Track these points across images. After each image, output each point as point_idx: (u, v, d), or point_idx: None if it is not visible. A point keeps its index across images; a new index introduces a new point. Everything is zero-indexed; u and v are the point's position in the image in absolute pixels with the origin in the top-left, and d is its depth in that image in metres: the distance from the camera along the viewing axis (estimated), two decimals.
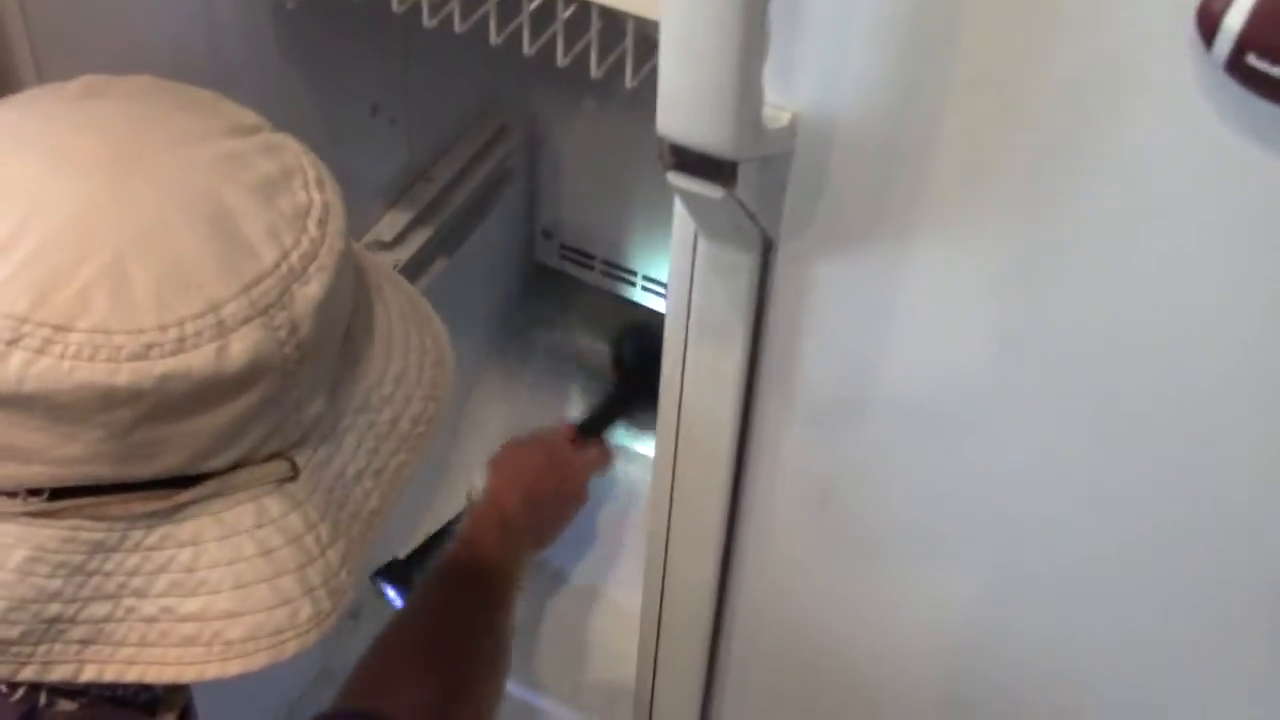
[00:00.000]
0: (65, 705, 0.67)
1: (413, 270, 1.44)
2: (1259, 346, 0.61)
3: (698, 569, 0.83)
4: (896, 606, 0.81)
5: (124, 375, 0.59)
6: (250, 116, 0.69)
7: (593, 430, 1.54)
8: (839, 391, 0.71)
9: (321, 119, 1.29)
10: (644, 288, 1.74)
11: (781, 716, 0.95)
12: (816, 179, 0.64)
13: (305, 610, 0.66)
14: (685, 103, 0.57)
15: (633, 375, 1.67)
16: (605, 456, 1.50)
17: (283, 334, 0.62)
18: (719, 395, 0.73)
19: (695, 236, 0.68)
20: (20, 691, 0.66)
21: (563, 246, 1.77)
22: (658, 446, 0.83)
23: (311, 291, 0.63)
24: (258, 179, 0.65)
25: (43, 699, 0.66)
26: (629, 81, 1.18)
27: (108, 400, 0.59)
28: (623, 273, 1.74)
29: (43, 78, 0.92)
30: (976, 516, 0.73)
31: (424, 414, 0.74)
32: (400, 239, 1.43)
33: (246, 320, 0.61)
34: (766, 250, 0.67)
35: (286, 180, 0.66)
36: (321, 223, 0.65)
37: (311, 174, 0.67)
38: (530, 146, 1.66)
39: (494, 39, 1.17)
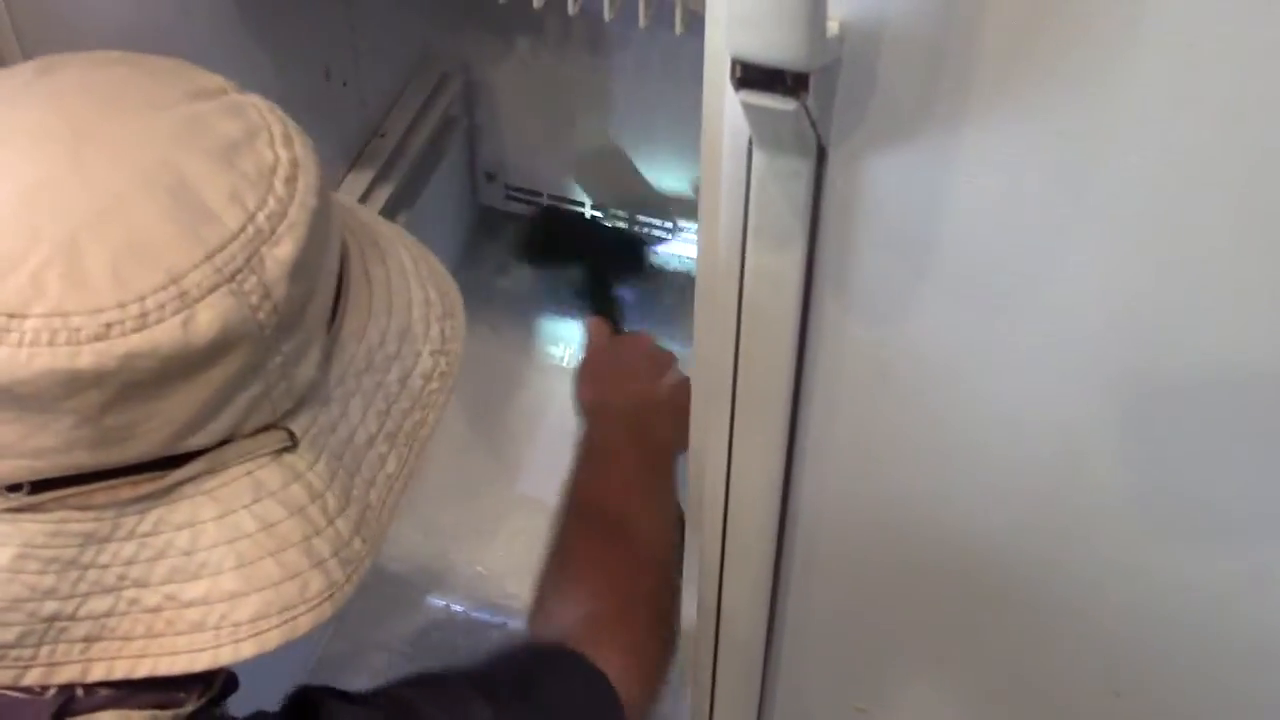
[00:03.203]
0: (104, 690, 0.64)
1: None
2: None
3: (763, 467, 0.87)
4: (957, 488, 0.84)
5: (86, 357, 0.56)
6: (215, 80, 0.66)
7: (607, 310, 1.49)
8: (895, 281, 0.75)
9: (282, 88, 1.30)
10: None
11: (847, 613, 0.98)
12: (866, 80, 0.67)
13: (316, 583, 0.64)
14: (759, 21, 0.60)
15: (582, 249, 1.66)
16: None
17: (254, 299, 0.59)
18: (781, 297, 0.76)
19: (749, 149, 0.71)
20: (53, 689, 0.63)
21: (507, 187, 1.79)
22: (700, 357, 0.86)
23: (282, 252, 0.60)
24: (219, 142, 0.62)
25: (80, 689, 0.63)
26: (571, 9, 1.21)
27: (72, 384, 0.56)
28: (570, 205, 1.77)
29: (26, 54, 0.92)
30: (1038, 388, 0.76)
31: (435, 369, 0.72)
32: (365, 199, 1.45)
33: (213, 288, 0.58)
34: (819, 154, 0.71)
35: (250, 140, 0.62)
36: (289, 180, 0.62)
37: (278, 130, 0.64)
38: (467, 93, 1.68)
39: None
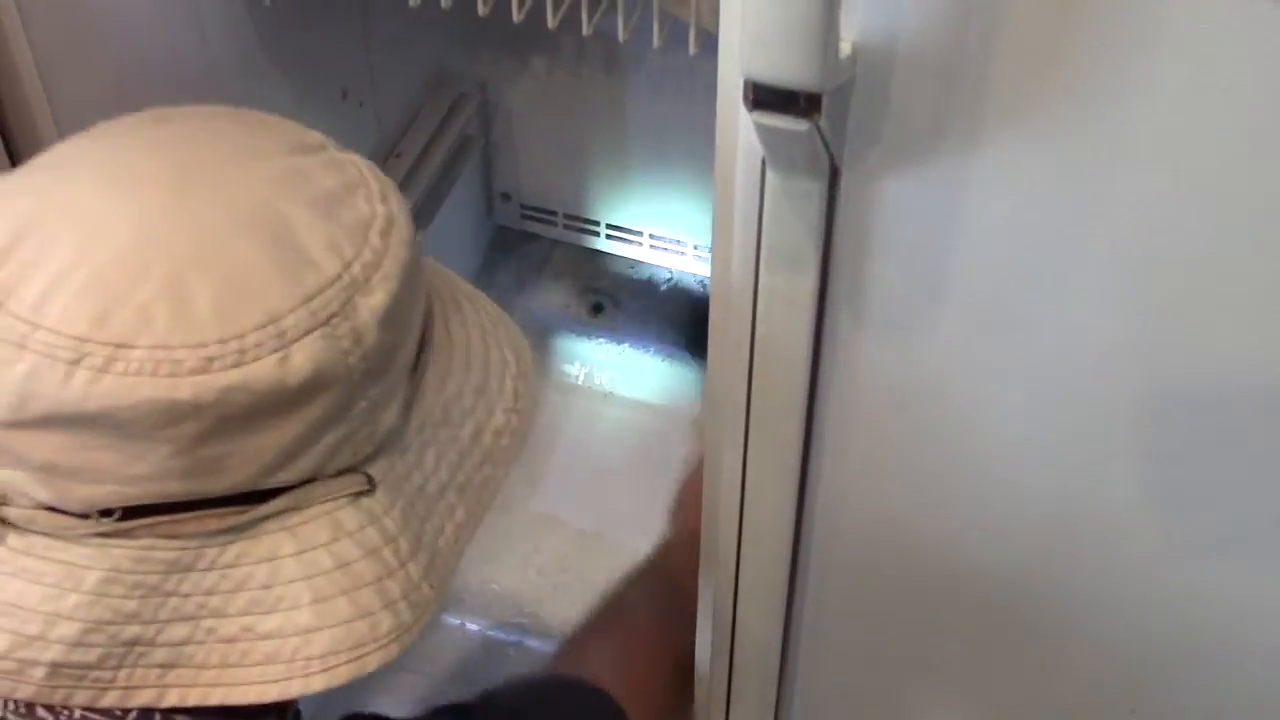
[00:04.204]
0: (180, 716, 0.66)
1: None
2: None
3: (777, 487, 0.87)
4: (973, 509, 0.84)
5: (186, 389, 0.58)
6: (315, 136, 0.69)
7: None
8: (909, 302, 0.75)
9: (299, 109, 1.31)
10: (608, 236, 1.77)
11: (862, 637, 0.98)
12: (879, 100, 0.67)
13: (385, 623, 0.66)
14: (772, 42, 0.60)
15: None
16: None
17: (346, 344, 0.62)
18: (794, 317, 0.76)
19: (762, 169, 0.72)
20: (134, 713, 0.65)
21: (523, 207, 1.80)
22: (712, 376, 0.86)
23: (375, 301, 0.63)
24: (319, 193, 0.65)
25: (158, 717, 0.66)
26: (585, 30, 1.21)
27: (171, 415, 0.59)
28: (586, 224, 1.78)
29: (46, 83, 0.94)
30: (1055, 410, 0.76)
31: (507, 426, 0.74)
32: None
33: (308, 331, 0.61)
34: (832, 174, 0.71)
35: (349, 194, 0.66)
36: (384, 234, 0.65)
37: (375, 187, 0.67)
38: (482, 113, 1.69)
39: (446, 2, 1.20)
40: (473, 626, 1.56)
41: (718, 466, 0.90)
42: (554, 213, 1.78)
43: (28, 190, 0.64)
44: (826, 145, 0.68)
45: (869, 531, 0.89)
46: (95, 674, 0.63)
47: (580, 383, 1.74)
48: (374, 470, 0.67)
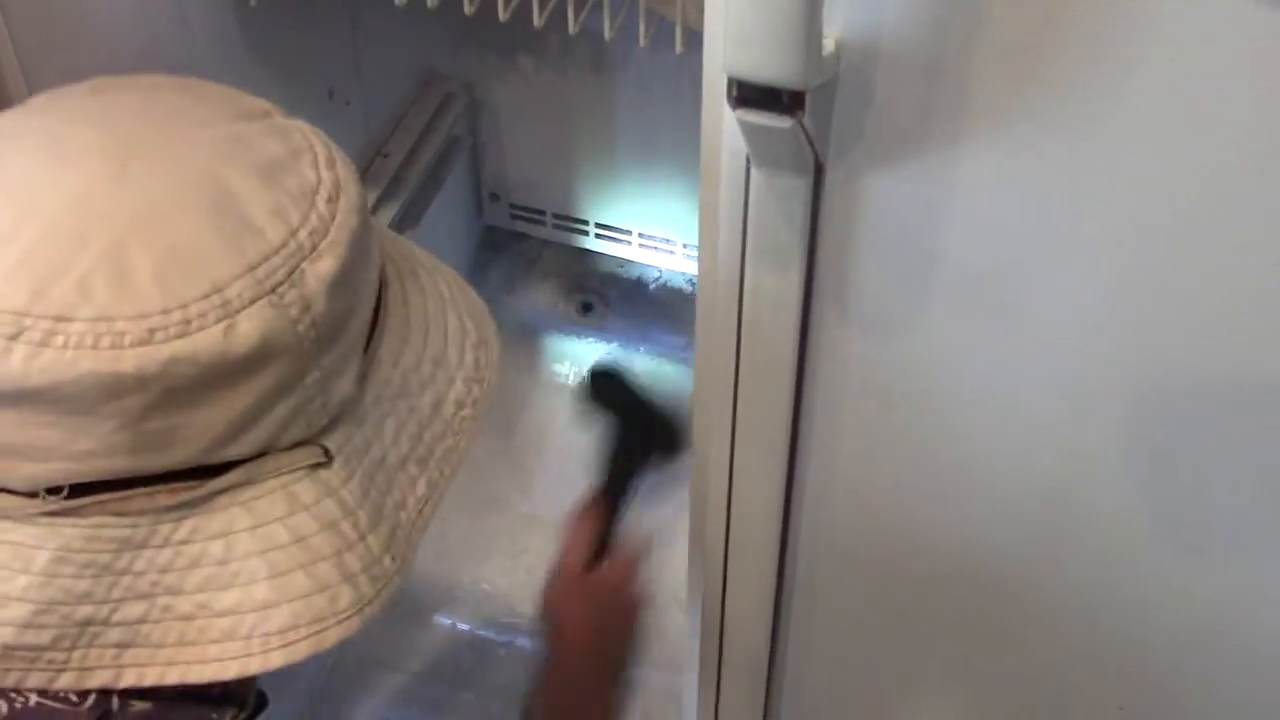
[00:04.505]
0: (139, 705, 0.65)
1: None
2: None
3: (764, 486, 0.87)
4: (960, 504, 0.85)
5: (129, 361, 0.57)
6: (260, 103, 0.68)
7: (616, 489, 1.15)
8: (894, 297, 0.75)
9: (285, 109, 1.30)
10: (597, 235, 1.77)
11: (850, 633, 0.99)
12: (863, 98, 0.68)
13: (345, 597, 0.64)
14: (755, 40, 0.61)
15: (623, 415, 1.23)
16: (637, 548, 1.02)
17: (294, 312, 0.60)
18: (780, 314, 0.77)
19: (747, 167, 0.72)
20: (91, 698, 0.64)
21: (512, 206, 1.80)
22: (700, 373, 0.86)
23: (323, 268, 0.61)
24: (263, 160, 0.63)
25: (115, 702, 0.64)
26: (572, 28, 1.21)
27: (115, 388, 0.57)
28: (575, 223, 1.78)
29: (29, 82, 0.93)
30: (1039, 403, 0.77)
31: (468, 396, 0.73)
32: None
33: (253, 300, 0.59)
34: (817, 171, 0.71)
35: (294, 160, 0.64)
36: (331, 200, 0.63)
37: (321, 153, 0.65)
38: (470, 112, 1.69)
39: (432, 1, 1.19)
40: (463, 626, 1.56)
41: (706, 462, 0.90)
42: (543, 212, 1.78)
43: None
44: (810, 142, 0.68)
45: (857, 526, 0.90)
46: (49, 655, 0.62)
47: (570, 382, 1.74)
48: (330, 442, 0.65)
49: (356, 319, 0.65)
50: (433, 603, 1.57)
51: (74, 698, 0.64)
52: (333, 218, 0.63)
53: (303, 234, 0.61)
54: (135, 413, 0.58)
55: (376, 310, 0.68)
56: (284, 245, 0.61)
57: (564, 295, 1.78)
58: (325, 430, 0.65)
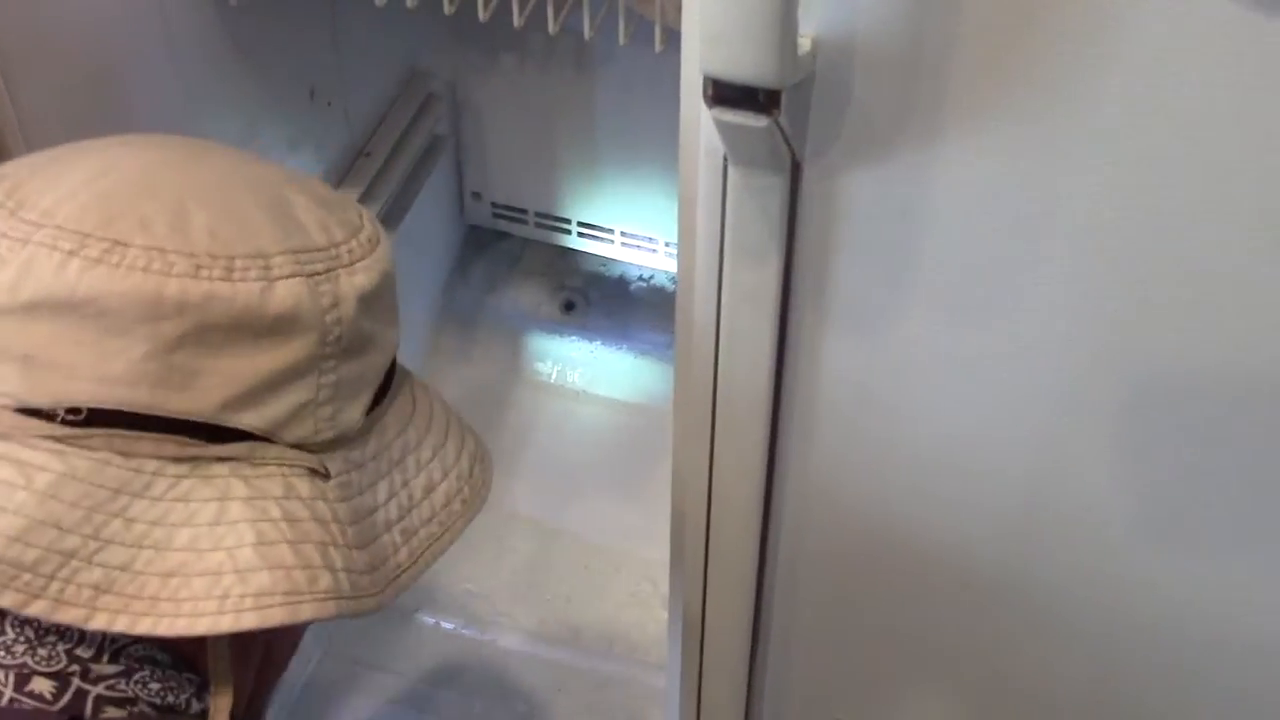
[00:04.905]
0: (113, 713, 0.66)
1: None
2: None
3: (744, 484, 0.87)
4: (939, 501, 0.85)
5: (173, 286, 0.62)
6: (301, 171, 0.77)
7: None
8: (872, 295, 0.76)
9: (267, 108, 1.31)
10: (579, 234, 1.77)
11: (830, 624, 0.99)
12: (840, 97, 0.68)
13: (324, 580, 0.65)
14: (729, 39, 0.61)
15: None
16: None
17: (326, 300, 0.65)
18: (758, 312, 0.77)
19: (724, 165, 0.72)
20: (65, 698, 0.65)
21: (494, 205, 1.80)
22: (681, 375, 0.87)
23: (358, 280, 0.67)
24: (318, 192, 0.70)
25: (89, 708, 0.65)
26: (551, 28, 1.21)
27: (155, 310, 0.62)
28: (557, 222, 1.78)
29: (8, 81, 0.94)
30: (1016, 399, 0.77)
31: (458, 493, 0.75)
32: None
33: (293, 274, 0.64)
34: (794, 169, 0.72)
35: (343, 204, 0.71)
36: (371, 241, 0.69)
37: (366, 211, 0.72)
38: (452, 112, 1.69)
39: (412, 1, 1.20)
40: (447, 625, 1.56)
41: (685, 460, 0.91)
42: (525, 211, 1.78)
43: (45, 156, 0.68)
44: (787, 140, 0.68)
45: (837, 523, 0.90)
46: (27, 577, 0.62)
47: (553, 381, 1.74)
48: (329, 463, 0.68)
49: (374, 358, 0.70)
50: (415, 601, 1.57)
51: (47, 695, 0.64)
52: (371, 253, 0.68)
53: (343, 250, 0.67)
54: (167, 341, 0.62)
55: (387, 378, 0.73)
56: (326, 249, 0.66)
57: (546, 294, 1.78)
58: (326, 448, 0.68)
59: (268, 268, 0.64)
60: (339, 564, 0.66)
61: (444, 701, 1.50)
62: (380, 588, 0.69)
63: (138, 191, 0.65)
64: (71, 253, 0.62)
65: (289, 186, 0.69)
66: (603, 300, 1.77)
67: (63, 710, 0.64)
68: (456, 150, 1.73)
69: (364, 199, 1.48)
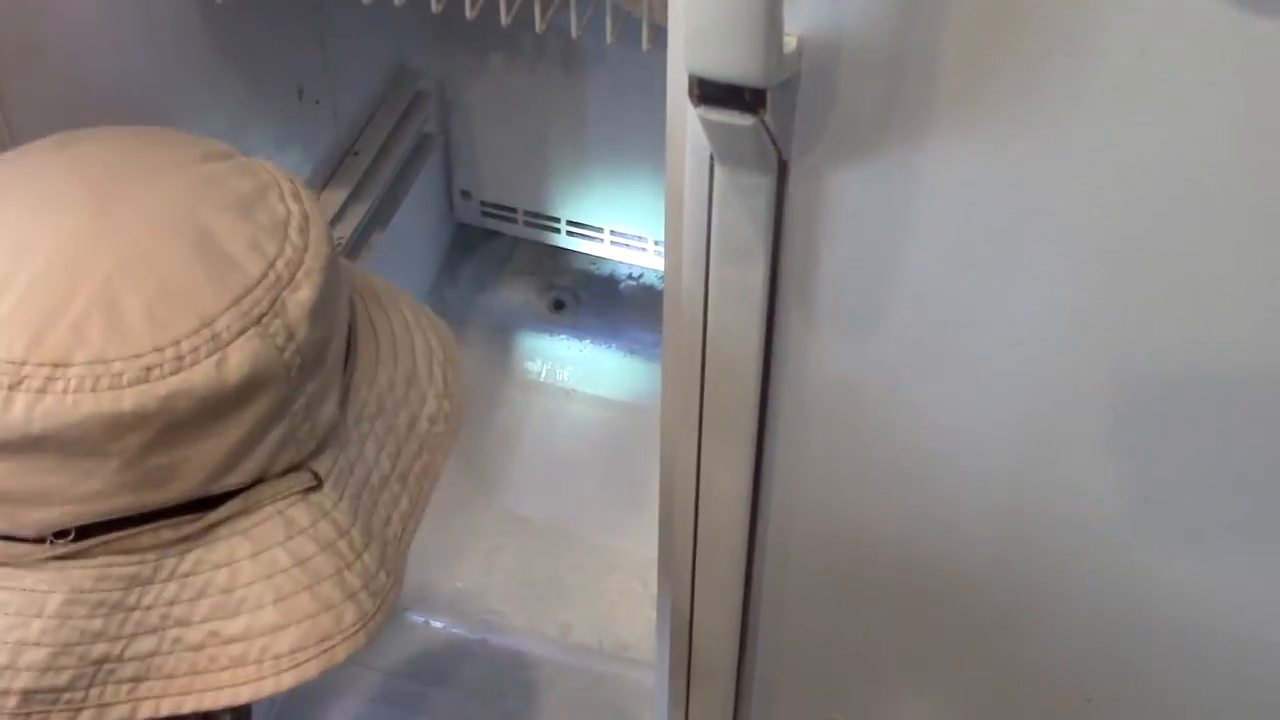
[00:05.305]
0: None
1: (353, 248, 1.47)
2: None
3: (731, 482, 0.87)
4: (926, 500, 0.85)
5: (128, 400, 0.59)
6: (221, 145, 0.71)
7: None
8: (858, 294, 0.76)
9: (254, 107, 1.31)
10: (569, 232, 1.77)
11: (819, 623, 0.99)
12: (825, 96, 0.68)
13: (349, 614, 0.67)
14: (715, 38, 0.61)
15: None
16: None
17: (279, 340, 0.63)
18: (745, 311, 0.77)
19: (711, 164, 0.72)
20: None
21: (483, 204, 1.79)
22: (668, 373, 0.87)
23: (302, 296, 0.64)
24: (234, 197, 0.66)
25: None
26: (538, 26, 1.21)
27: (116, 427, 0.60)
28: (546, 221, 1.77)
29: None
30: (1002, 399, 0.77)
31: (440, 411, 0.75)
32: (339, 217, 1.45)
33: (241, 331, 0.62)
34: (780, 168, 0.72)
35: (262, 195, 0.67)
36: (302, 230, 0.66)
37: (286, 187, 0.69)
38: (441, 110, 1.69)
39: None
40: (437, 624, 1.56)
41: (673, 461, 0.90)
42: (514, 210, 1.78)
43: None
44: (773, 140, 0.68)
45: (825, 520, 0.90)
46: (68, 696, 0.63)
47: (542, 379, 1.74)
48: (319, 466, 0.67)
49: (334, 344, 0.68)
50: (405, 600, 1.57)
51: None
52: (305, 248, 0.66)
53: (280, 265, 0.64)
54: (137, 450, 0.61)
55: (349, 334, 0.71)
56: (264, 277, 0.64)
57: (536, 293, 1.78)
58: (313, 455, 0.68)
59: (215, 336, 0.61)
60: (357, 585, 0.67)
61: (434, 700, 1.50)
62: (394, 564, 0.70)
63: (58, 288, 0.61)
64: (13, 388, 0.59)
65: (204, 204, 0.65)
66: (592, 299, 1.77)
67: None
68: (445, 149, 1.73)
69: (352, 198, 1.48)
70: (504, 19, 1.19)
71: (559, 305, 1.77)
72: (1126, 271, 0.70)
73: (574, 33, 1.21)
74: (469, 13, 1.20)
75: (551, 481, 1.66)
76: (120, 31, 1.07)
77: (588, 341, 1.75)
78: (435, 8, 1.19)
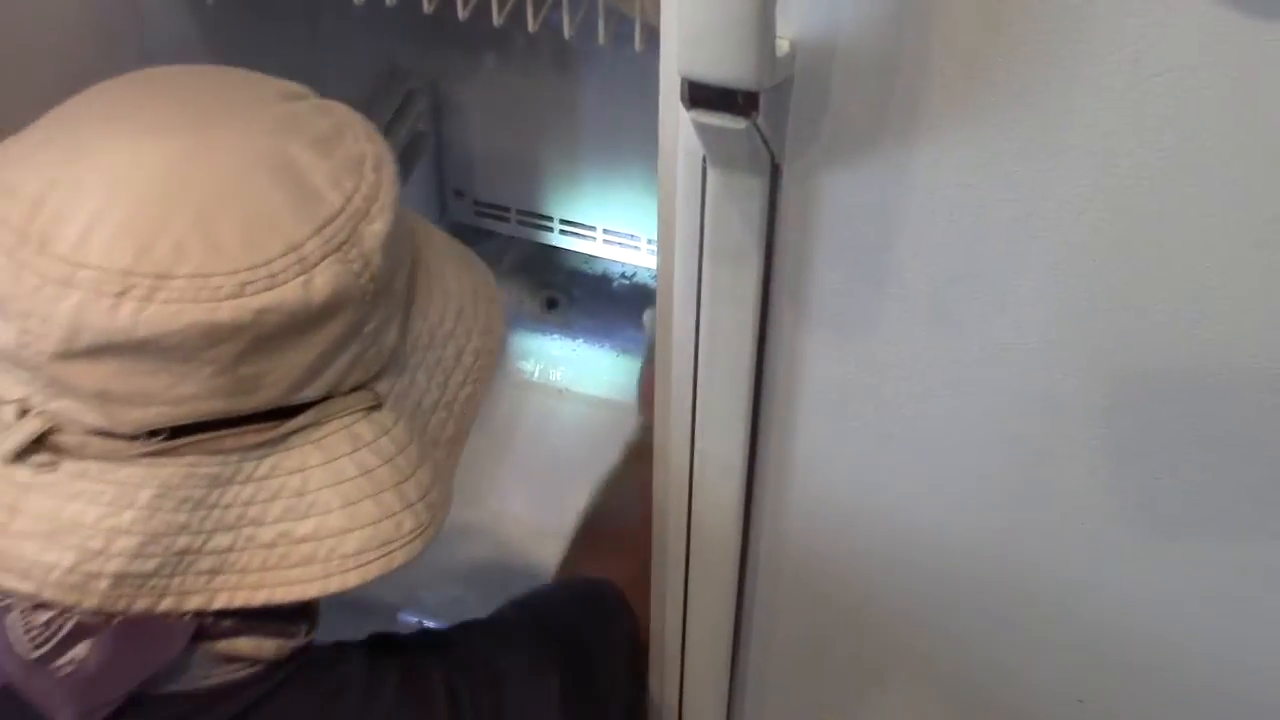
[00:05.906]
0: (228, 620, 0.74)
1: None
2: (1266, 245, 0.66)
3: (724, 485, 0.87)
4: (917, 501, 0.85)
5: (225, 312, 0.65)
6: (295, 85, 0.77)
7: None
8: (851, 297, 0.76)
9: None
10: (561, 231, 1.77)
11: (812, 624, 0.99)
12: (818, 98, 0.68)
13: (408, 522, 0.73)
14: (708, 41, 0.61)
15: None
16: None
17: (357, 267, 0.69)
18: (738, 313, 0.77)
19: (703, 166, 0.72)
20: (188, 617, 0.72)
21: (476, 203, 1.79)
22: (661, 374, 0.86)
23: (377, 228, 0.70)
24: (315, 134, 0.72)
25: (210, 616, 0.72)
26: (531, 26, 1.21)
27: (212, 336, 0.65)
28: (539, 220, 1.77)
29: None
30: (996, 401, 0.77)
31: (484, 347, 0.81)
32: None
33: (324, 256, 0.68)
34: (773, 171, 0.71)
35: (340, 135, 0.73)
36: (376, 168, 0.73)
37: (361, 129, 0.75)
38: (433, 109, 1.68)
39: None
40: (429, 624, 1.55)
41: (667, 460, 0.90)
42: (507, 209, 1.78)
43: (47, 145, 0.69)
44: (766, 142, 0.68)
45: (818, 521, 0.90)
46: (152, 582, 0.69)
47: (535, 379, 1.73)
48: (380, 388, 0.74)
49: (400, 275, 0.75)
50: (398, 601, 1.56)
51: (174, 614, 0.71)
52: (379, 184, 0.72)
53: (357, 198, 0.70)
54: (229, 359, 0.67)
55: (411, 270, 0.77)
56: (344, 209, 0.70)
57: (529, 291, 1.77)
58: (376, 377, 0.74)
59: (302, 259, 0.67)
60: (414, 497, 0.73)
61: None
62: (444, 482, 0.77)
63: (158, 209, 0.66)
64: (120, 295, 0.64)
65: (291, 141, 0.70)
66: (585, 298, 1.77)
67: (189, 622, 0.72)
68: (438, 148, 1.72)
69: None
70: (496, 19, 1.19)
71: (552, 304, 1.76)
72: (1119, 275, 0.70)
73: (567, 33, 1.21)
74: (461, 12, 1.20)
75: (544, 481, 1.66)
76: (110, 31, 1.06)
77: (581, 340, 1.75)
78: (427, 7, 1.19)
